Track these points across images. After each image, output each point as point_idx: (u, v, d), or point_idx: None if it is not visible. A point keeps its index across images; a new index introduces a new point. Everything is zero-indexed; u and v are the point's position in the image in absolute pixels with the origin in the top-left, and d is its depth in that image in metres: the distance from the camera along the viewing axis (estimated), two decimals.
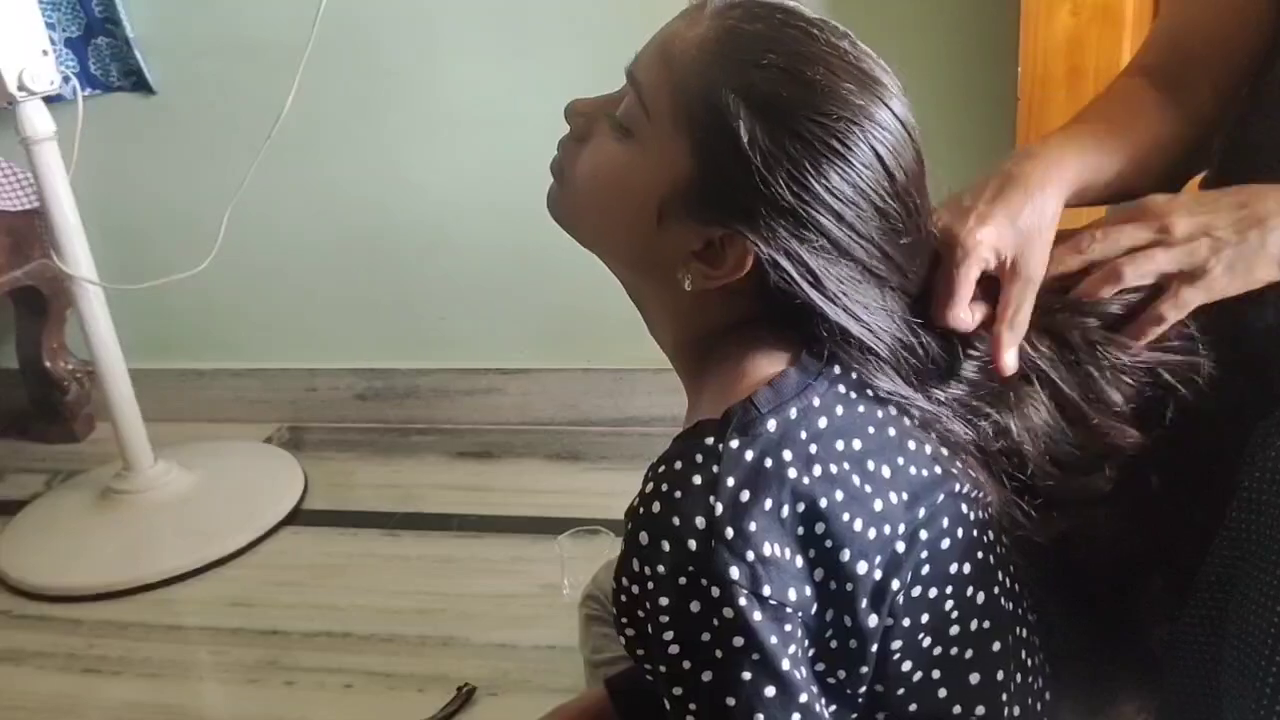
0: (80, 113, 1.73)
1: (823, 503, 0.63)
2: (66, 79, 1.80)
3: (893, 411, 0.69)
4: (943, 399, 0.70)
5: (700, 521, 0.61)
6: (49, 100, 1.74)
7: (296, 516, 1.92)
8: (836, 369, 0.68)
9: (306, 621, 1.64)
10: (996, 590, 0.70)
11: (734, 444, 0.63)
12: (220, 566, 1.79)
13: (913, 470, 0.67)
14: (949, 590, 0.68)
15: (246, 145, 1.77)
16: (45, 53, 1.70)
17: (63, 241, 1.77)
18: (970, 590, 0.69)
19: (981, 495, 0.70)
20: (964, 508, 0.69)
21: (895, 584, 0.65)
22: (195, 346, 2.29)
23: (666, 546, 0.62)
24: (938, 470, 0.68)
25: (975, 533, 0.69)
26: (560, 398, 2.14)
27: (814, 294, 0.66)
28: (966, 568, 0.68)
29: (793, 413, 0.65)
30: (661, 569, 0.62)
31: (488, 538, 1.81)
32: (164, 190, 2.15)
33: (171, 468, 1.96)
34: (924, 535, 0.66)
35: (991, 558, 0.70)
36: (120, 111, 2.07)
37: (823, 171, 0.64)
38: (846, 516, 0.63)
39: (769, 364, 0.68)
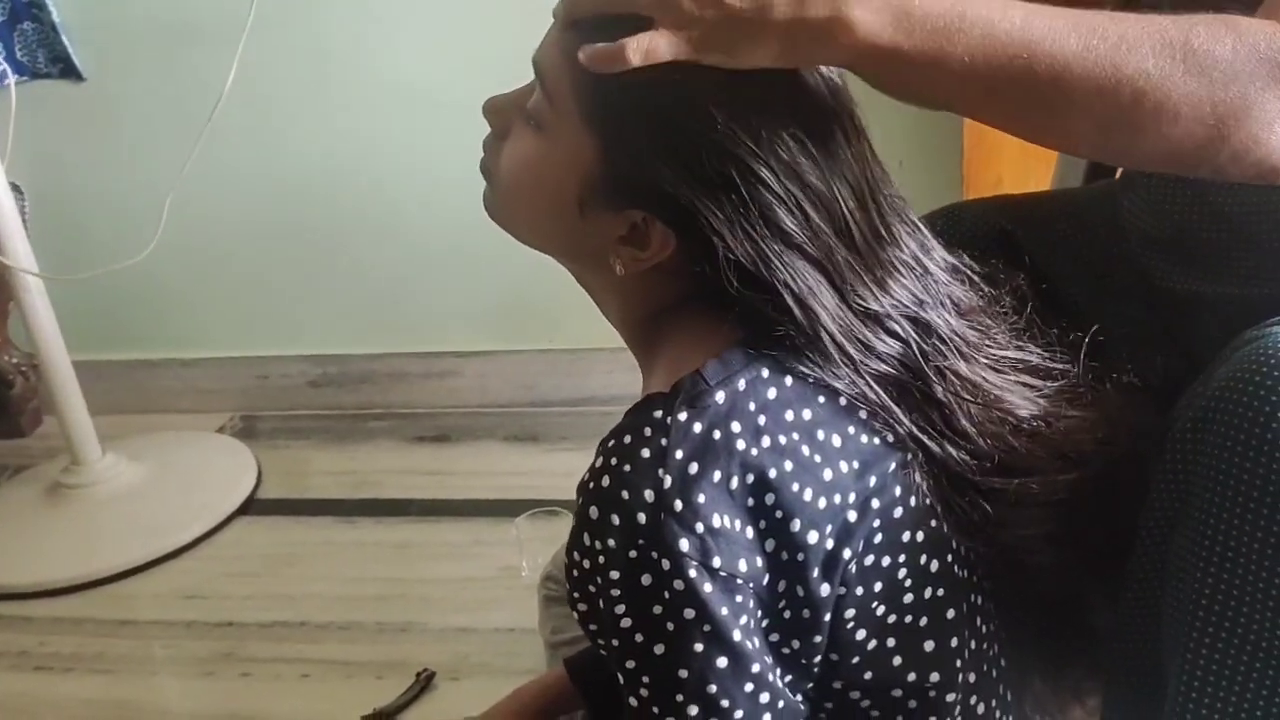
0: (13, 100, 1.69)
1: (772, 473, 0.63)
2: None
3: None
4: (875, 377, 0.68)
5: (649, 494, 0.61)
6: None
7: (250, 506, 1.90)
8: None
9: (262, 612, 1.62)
10: (950, 558, 0.70)
11: (682, 416, 0.63)
12: (173, 559, 1.76)
13: (864, 439, 0.67)
14: (902, 559, 0.67)
15: (186, 129, 1.74)
16: None
17: (1, 233, 1.73)
18: (924, 558, 0.68)
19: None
20: (917, 476, 0.68)
21: (847, 553, 0.65)
22: (143, 337, 2.24)
23: (616, 520, 0.62)
24: (889, 438, 0.68)
25: (929, 500, 0.69)
26: (518, 379, 2.12)
27: (731, 271, 0.65)
28: (920, 535, 0.68)
29: (741, 384, 0.65)
30: (612, 542, 0.62)
31: (446, 522, 1.80)
32: (103, 177, 2.10)
33: (121, 461, 1.92)
34: (875, 504, 0.66)
35: (945, 526, 0.70)
36: (55, 98, 2.01)
37: (723, 148, 0.63)
38: (796, 487, 0.63)
39: (718, 337, 0.67)
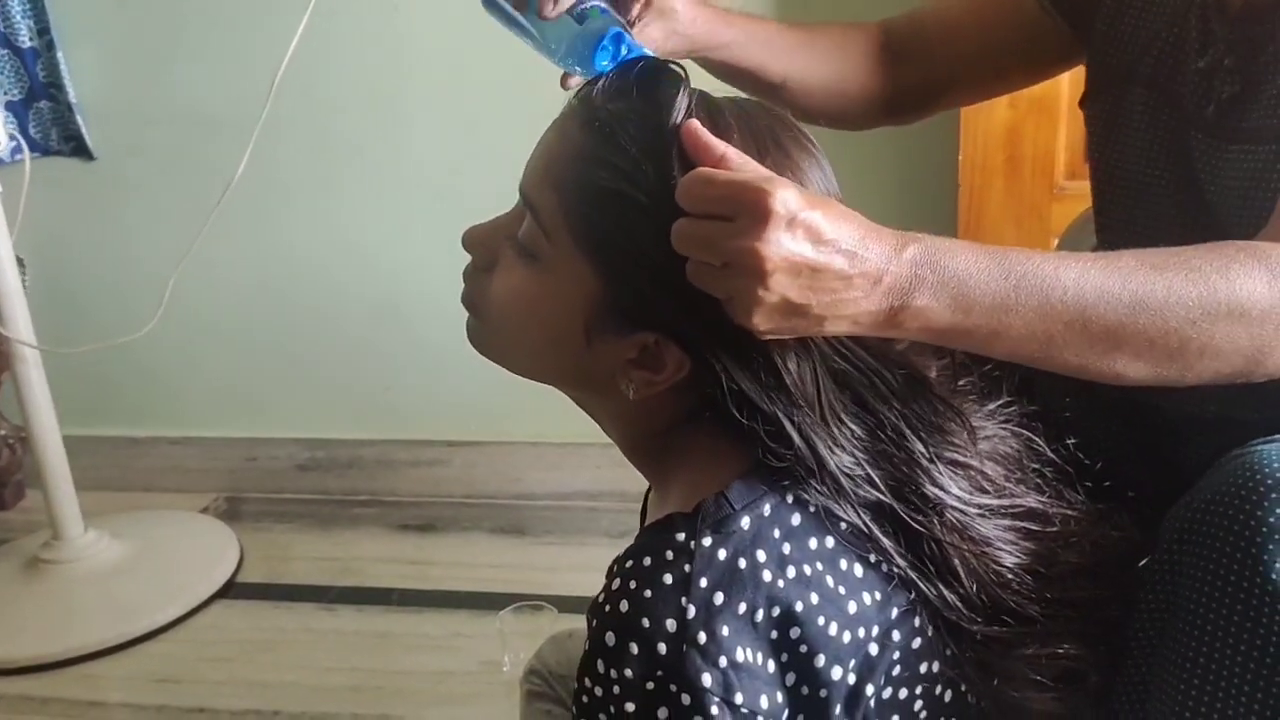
0: (27, 175, 1.72)
1: (798, 606, 0.61)
2: (15, 141, 1.79)
3: None
4: (870, 509, 0.66)
5: (671, 624, 0.59)
6: None
7: (230, 589, 1.87)
8: None
9: (235, 699, 1.59)
10: (963, 687, 0.69)
11: (707, 541, 0.61)
12: (147, 641, 1.74)
13: (884, 567, 0.66)
14: (919, 690, 0.66)
15: (194, 212, 1.77)
16: None
17: (2, 303, 1.74)
18: (939, 689, 0.67)
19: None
20: (934, 605, 0.67)
21: (870, 688, 0.63)
22: (133, 413, 2.25)
23: (635, 649, 0.59)
24: (908, 567, 0.66)
25: (944, 629, 0.68)
26: (505, 471, 2.12)
27: (732, 400, 0.64)
28: (935, 666, 0.67)
29: (766, 509, 0.63)
30: (629, 672, 0.59)
31: (427, 613, 1.78)
32: (108, 255, 2.13)
33: (102, 538, 1.90)
34: (896, 636, 0.65)
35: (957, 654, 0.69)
36: (67, 175, 2.06)
37: None
38: (821, 620, 0.62)
39: (736, 455, 0.66)
